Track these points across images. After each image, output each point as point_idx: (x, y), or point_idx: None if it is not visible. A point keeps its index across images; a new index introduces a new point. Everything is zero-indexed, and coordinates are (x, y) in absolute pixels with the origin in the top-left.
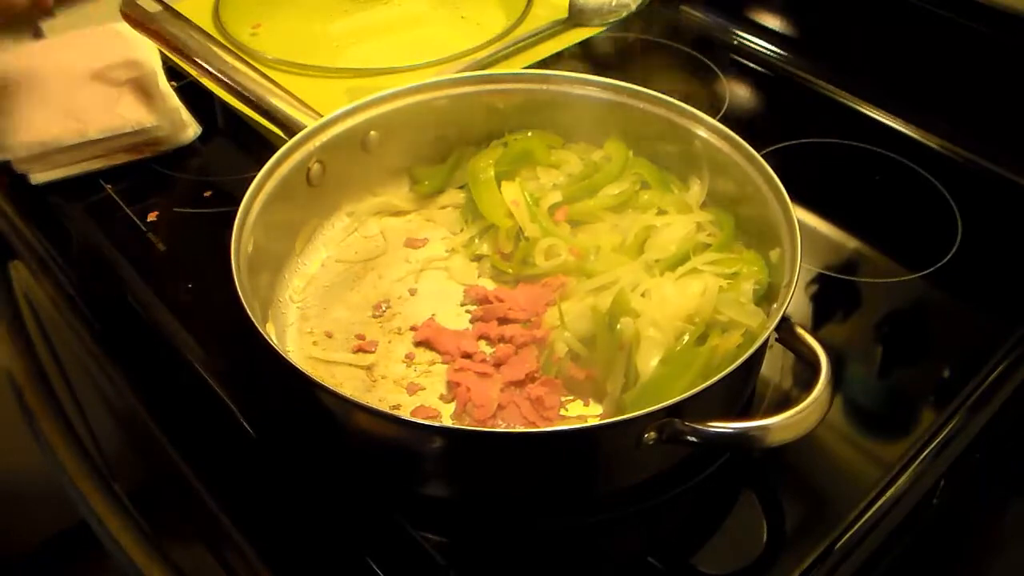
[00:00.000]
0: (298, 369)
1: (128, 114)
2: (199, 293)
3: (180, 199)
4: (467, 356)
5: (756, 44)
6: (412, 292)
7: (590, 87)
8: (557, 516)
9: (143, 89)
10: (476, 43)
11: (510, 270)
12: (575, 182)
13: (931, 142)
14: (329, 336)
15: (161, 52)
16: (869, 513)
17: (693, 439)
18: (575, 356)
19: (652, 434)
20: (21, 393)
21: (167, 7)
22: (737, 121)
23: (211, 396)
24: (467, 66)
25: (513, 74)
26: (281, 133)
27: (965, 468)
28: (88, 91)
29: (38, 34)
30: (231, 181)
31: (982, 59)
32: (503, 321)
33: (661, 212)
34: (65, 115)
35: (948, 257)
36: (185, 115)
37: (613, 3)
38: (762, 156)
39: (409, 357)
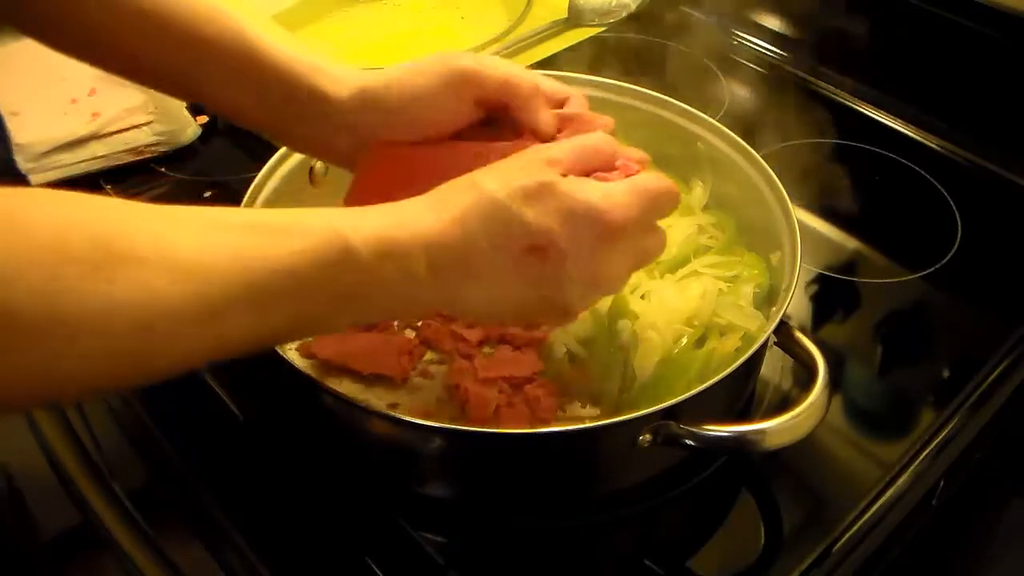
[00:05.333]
0: (297, 368)
1: (129, 113)
2: None
3: (180, 199)
4: (466, 356)
5: (756, 44)
6: None
7: (591, 88)
8: (554, 517)
9: (144, 87)
10: (476, 43)
11: None
12: None
13: (931, 142)
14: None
15: None
16: (868, 514)
17: (689, 442)
18: (573, 357)
19: (647, 436)
20: None
21: None
22: (737, 121)
23: (210, 395)
24: None
25: None
26: None
27: (965, 468)
28: (88, 88)
29: None
30: (231, 181)
31: (982, 59)
32: None
33: None
34: (64, 113)
35: (948, 257)
36: (185, 115)
37: (613, 3)
38: (762, 157)
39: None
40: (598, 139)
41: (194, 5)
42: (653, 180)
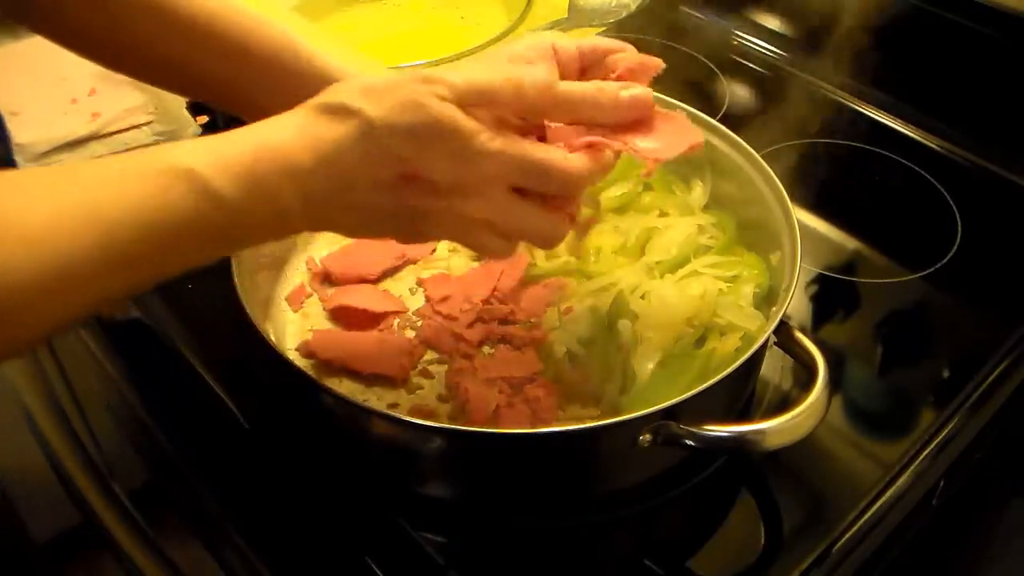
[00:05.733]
0: (297, 368)
1: (129, 113)
2: (199, 292)
3: None
4: (466, 356)
5: (756, 44)
6: (412, 291)
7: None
8: (554, 517)
9: (143, 87)
10: (476, 43)
11: None
12: None
13: (931, 142)
14: None
15: None
16: (868, 514)
17: (689, 442)
18: (573, 357)
19: (647, 436)
20: (20, 392)
21: None
22: (737, 121)
23: (211, 396)
24: None
25: None
26: None
27: (965, 468)
28: (88, 88)
29: None
30: None
31: (982, 59)
32: (504, 322)
33: (663, 214)
34: (64, 113)
35: (948, 257)
36: (185, 115)
37: (613, 3)
38: (762, 156)
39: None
40: (503, 88)
41: (241, 16)
42: (543, 151)
